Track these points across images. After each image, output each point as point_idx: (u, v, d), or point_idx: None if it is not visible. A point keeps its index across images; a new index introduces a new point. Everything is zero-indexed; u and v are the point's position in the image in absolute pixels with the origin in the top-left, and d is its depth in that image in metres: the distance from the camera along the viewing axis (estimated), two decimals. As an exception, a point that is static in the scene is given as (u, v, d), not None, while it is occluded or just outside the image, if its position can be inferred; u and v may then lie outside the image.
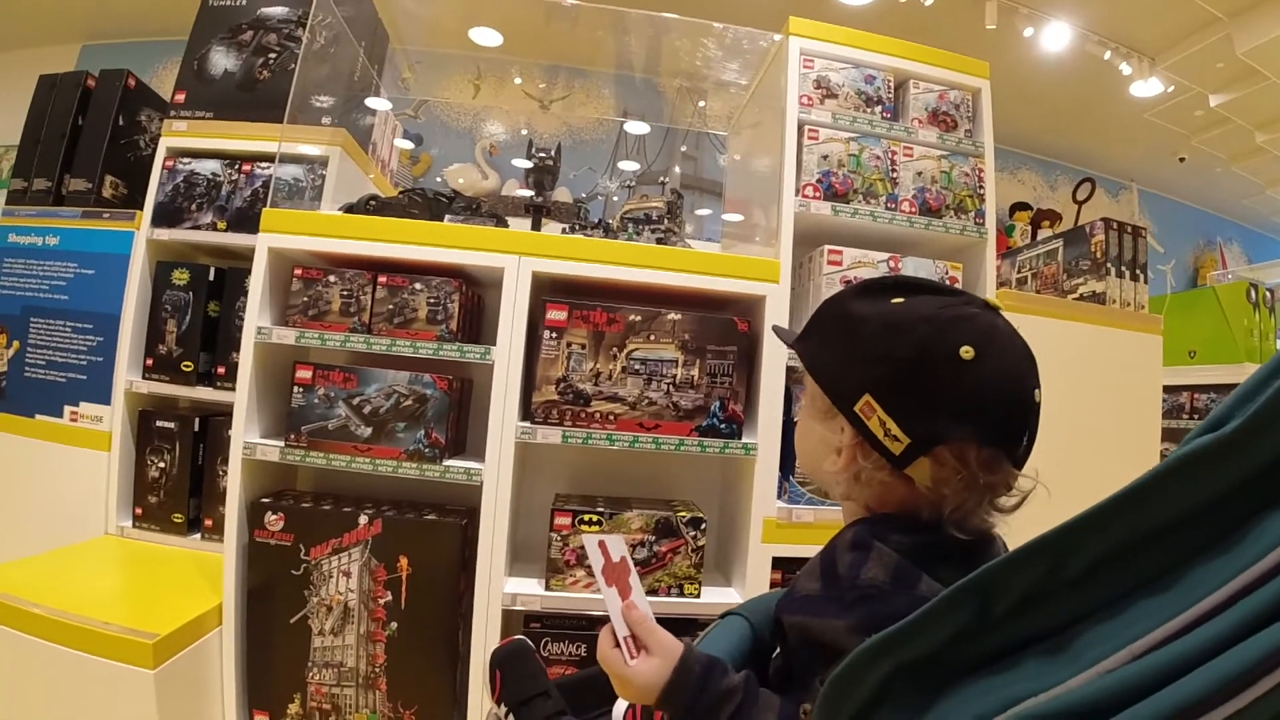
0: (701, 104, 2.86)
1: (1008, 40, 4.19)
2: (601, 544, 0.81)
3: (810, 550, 1.80)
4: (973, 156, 2.10)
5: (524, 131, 3.66)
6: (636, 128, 3.93)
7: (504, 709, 1.01)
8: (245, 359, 1.71)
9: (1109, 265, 2.47)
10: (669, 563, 1.72)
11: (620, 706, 1.03)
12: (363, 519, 1.67)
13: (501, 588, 1.65)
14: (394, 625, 1.67)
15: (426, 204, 1.87)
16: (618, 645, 0.75)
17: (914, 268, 1.93)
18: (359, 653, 1.68)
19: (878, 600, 0.63)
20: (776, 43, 2.08)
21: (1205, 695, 0.34)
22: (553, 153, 2.02)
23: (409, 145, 3.13)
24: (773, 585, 1.81)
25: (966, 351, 0.66)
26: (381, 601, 1.67)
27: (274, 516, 1.68)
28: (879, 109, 2.04)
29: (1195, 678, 0.35)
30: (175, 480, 2.18)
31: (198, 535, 2.17)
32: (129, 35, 4.56)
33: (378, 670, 1.68)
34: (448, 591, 1.68)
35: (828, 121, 1.95)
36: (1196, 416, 3.54)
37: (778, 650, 0.78)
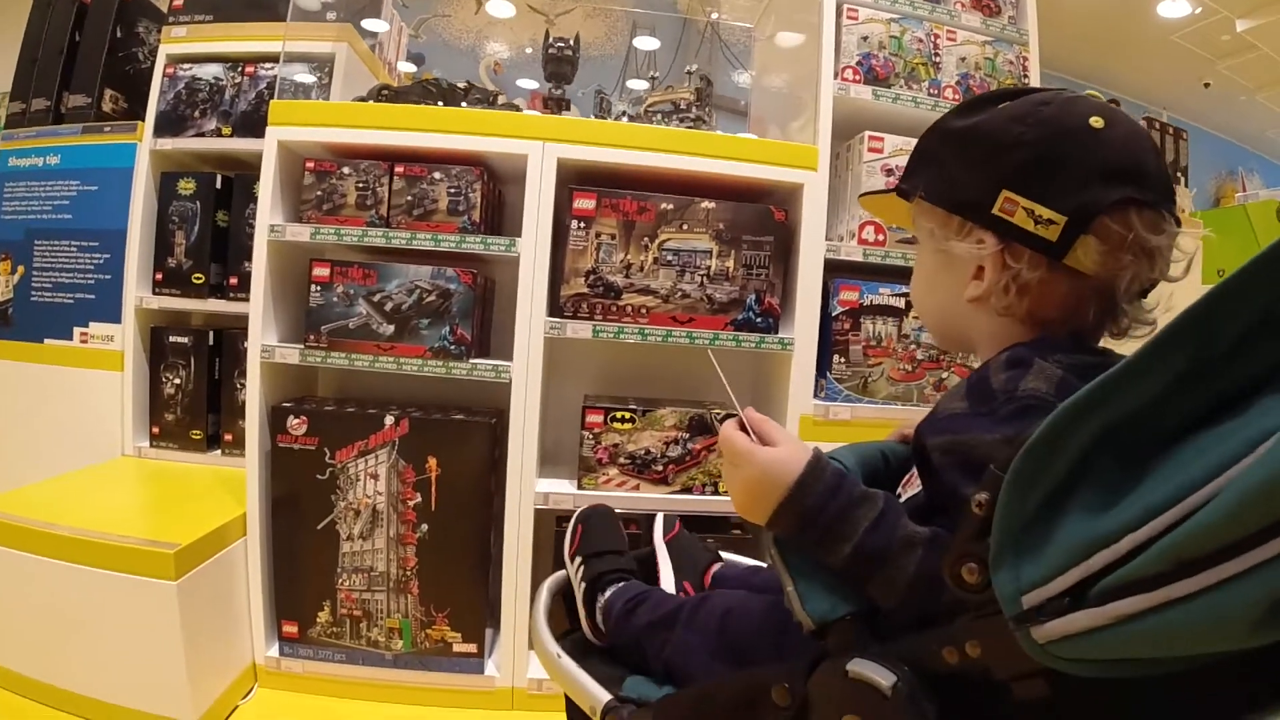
0: (715, 14, 2.69)
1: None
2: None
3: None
4: (1017, 44, 1.95)
5: (529, 49, 3.49)
6: (647, 43, 3.73)
7: (578, 560, 0.94)
8: (259, 259, 1.61)
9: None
10: (703, 460, 1.63)
11: (669, 588, 0.96)
12: (389, 420, 1.58)
13: (533, 488, 1.57)
14: (424, 527, 1.59)
15: (441, 94, 1.74)
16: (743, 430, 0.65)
17: (955, 161, 1.81)
18: (389, 556, 1.60)
19: (1039, 411, 0.52)
20: None
21: None
22: (571, 42, 1.88)
23: (411, 68, 2.97)
24: None
25: (1096, 121, 0.61)
26: (411, 504, 1.59)
27: (296, 420, 1.59)
28: (921, -12, 1.88)
29: None
30: (192, 396, 2.10)
31: (218, 451, 2.10)
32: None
33: (409, 574, 1.61)
34: (478, 493, 1.60)
35: (868, 1, 1.80)
36: (1225, 336, 3.42)
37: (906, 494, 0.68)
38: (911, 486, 0.67)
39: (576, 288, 1.60)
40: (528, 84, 3.60)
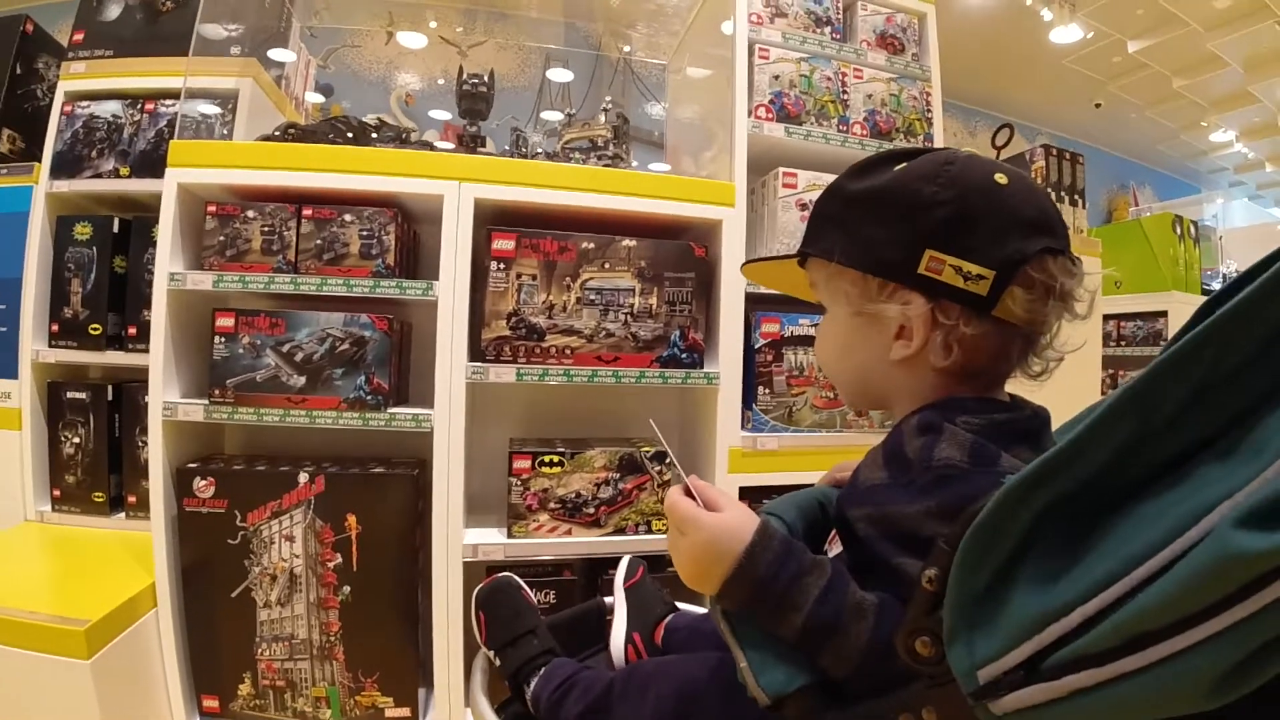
0: (627, 49, 2.71)
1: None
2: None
3: (777, 479, 1.75)
4: (920, 80, 2.03)
5: (440, 81, 3.44)
6: (560, 75, 3.74)
7: (492, 652, 0.91)
8: (158, 310, 1.52)
9: (1049, 190, 2.45)
10: (635, 500, 1.62)
11: (619, 640, 0.94)
12: (303, 477, 1.51)
13: (461, 539, 1.52)
14: (346, 589, 1.52)
15: (351, 131, 1.69)
16: (689, 496, 0.64)
17: (867, 192, 1.86)
18: (311, 622, 1.53)
19: (957, 480, 0.55)
20: None
21: None
22: (486, 78, 1.86)
23: (319, 99, 2.89)
24: None
25: (1000, 178, 0.64)
26: (331, 565, 1.52)
27: (203, 482, 1.50)
28: (828, 29, 1.94)
29: None
30: (93, 456, 1.97)
31: (122, 514, 1.97)
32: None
33: (333, 639, 1.53)
34: (403, 549, 1.54)
35: (778, 41, 1.85)
36: (1124, 343, 3.62)
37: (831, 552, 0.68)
38: (836, 545, 0.67)
39: (498, 330, 1.57)
40: (440, 114, 3.56)
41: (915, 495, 0.56)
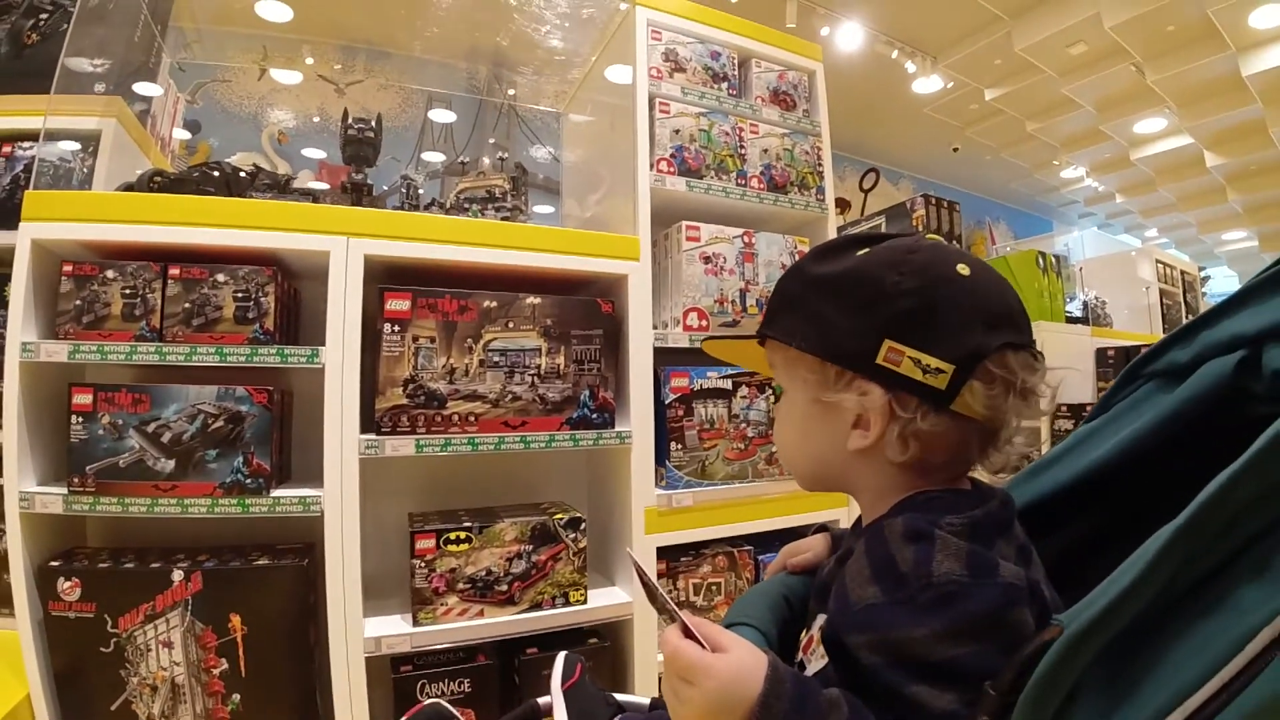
0: (512, 92, 2.71)
1: (807, 36, 4.47)
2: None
3: (694, 535, 1.77)
4: (811, 135, 2.15)
5: (316, 118, 3.31)
6: (442, 116, 3.68)
7: None
8: (10, 386, 1.35)
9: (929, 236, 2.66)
10: (550, 571, 1.58)
11: None
12: (177, 575, 1.36)
13: (361, 632, 1.42)
14: (235, 698, 1.38)
15: (224, 180, 1.58)
16: (689, 637, 0.58)
17: (766, 243, 1.95)
18: (192, 736, 1.37)
19: (962, 598, 0.55)
20: (623, 12, 1.99)
21: None
22: (373, 123, 1.79)
23: (185, 135, 2.70)
24: (659, 577, 1.73)
25: (963, 269, 0.64)
26: (216, 672, 1.37)
27: (67, 584, 1.33)
28: (725, 85, 2.03)
29: None
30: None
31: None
32: None
33: (219, 754, 1.38)
34: (295, 647, 1.42)
35: (678, 95, 1.91)
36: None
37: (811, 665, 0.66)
38: (815, 654, 0.65)
39: (394, 399, 1.50)
40: (314, 153, 3.42)
41: (919, 616, 0.55)
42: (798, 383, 0.72)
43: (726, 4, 3.85)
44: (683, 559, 1.79)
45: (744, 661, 0.56)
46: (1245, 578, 0.43)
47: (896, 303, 0.63)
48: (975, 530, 0.59)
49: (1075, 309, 4.09)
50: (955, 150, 6.62)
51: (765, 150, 2.04)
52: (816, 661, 0.63)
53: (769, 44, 2.13)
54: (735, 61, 2.07)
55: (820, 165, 2.15)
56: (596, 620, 1.64)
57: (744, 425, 1.86)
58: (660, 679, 0.60)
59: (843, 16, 4.63)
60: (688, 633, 0.57)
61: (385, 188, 1.99)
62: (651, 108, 1.86)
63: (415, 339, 1.52)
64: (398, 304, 1.52)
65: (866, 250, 0.67)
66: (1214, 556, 0.44)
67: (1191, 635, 0.43)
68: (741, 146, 1.99)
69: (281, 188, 1.65)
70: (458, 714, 0.94)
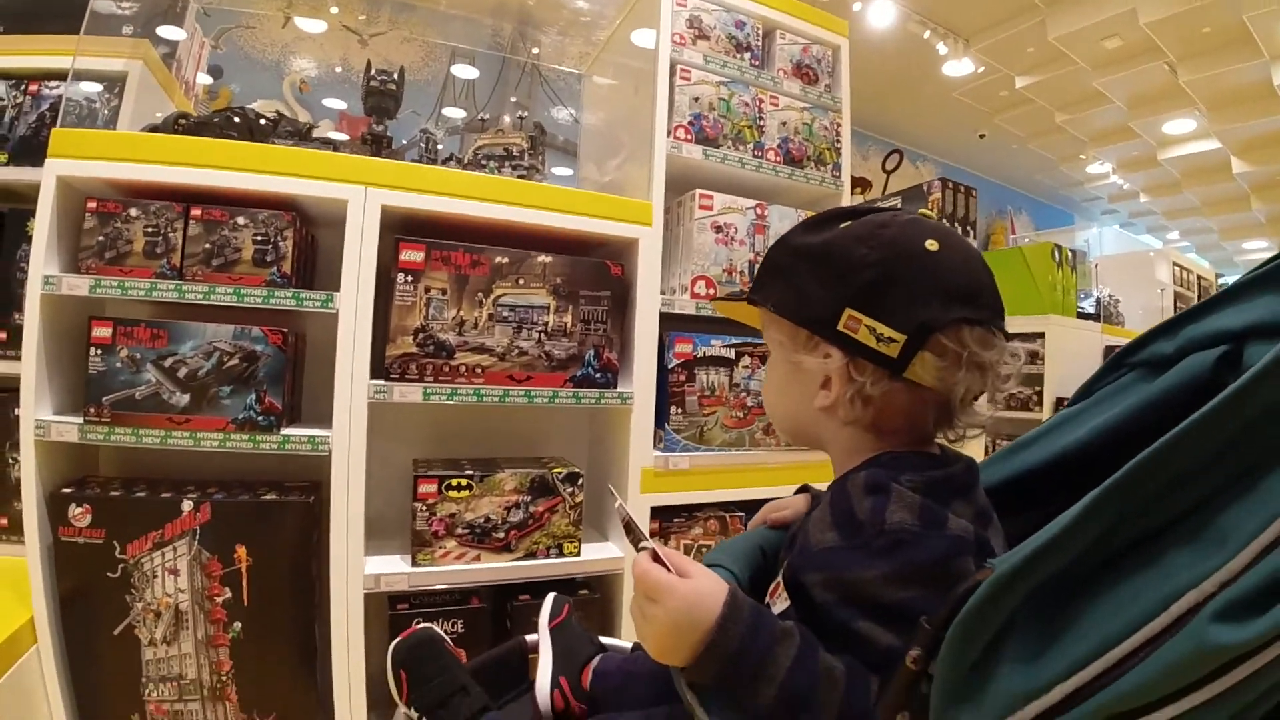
0: (536, 51, 2.71)
1: (838, 10, 4.42)
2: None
3: (688, 497, 1.82)
4: (832, 111, 2.16)
5: (339, 69, 3.32)
6: (465, 72, 3.68)
7: (415, 713, 0.89)
8: (31, 317, 1.39)
9: (944, 220, 2.67)
10: (546, 523, 1.63)
11: (545, 685, 0.94)
12: (186, 505, 1.42)
13: (361, 570, 1.48)
14: (237, 626, 1.44)
15: (247, 126, 1.61)
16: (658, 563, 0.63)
17: (778, 216, 1.97)
18: (200, 661, 1.44)
19: (911, 545, 0.60)
20: None
21: None
22: (395, 76, 1.82)
23: (207, 80, 2.73)
24: (652, 535, 1.78)
25: (931, 244, 0.68)
26: (219, 600, 1.44)
27: (78, 510, 1.39)
28: (748, 56, 2.04)
29: None
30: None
31: (-2, 537, 1.78)
32: None
33: (224, 679, 1.45)
34: (298, 581, 1.48)
35: (699, 63, 1.92)
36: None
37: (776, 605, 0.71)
38: (779, 597, 0.69)
39: (404, 347, 1.55)
40: (335, 103, 3.43)
41: (870, 559, 0.60)
42: (775, 344, 0.78)
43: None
44: (675, 519, 1.84)
45: (706, 586, 0.60)
46: (1179, 542, 0.45)
47: (861, 274, 0.67)
48: (931, 487, 0.64)
49: (1089, 305, 4.09)
50: (982, 137, 6.55)
51: (784, 123, 2.05)
52: (780, 604, 0.67)
53: (795, 15, 2.13)
54: (760, 31, 2.07)
55: (839, 142, 2.16)
56: (588, 572, 1.70)
57: (744, 394, 1.89)
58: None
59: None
60: (657, 559, 0.62)
61: (405, 141, 2.01)
62: (673, 74, 1.87)
63: (427, 289, 1.56)
64: (412, 255, 1.56)
65: (848, 223, 0.72)
66: (1155, 519, 0.47)
67: (1120, 591, 0.46)
68: (760, 118, 2.00)
69: (303, 135, 1.68)
70: (449, 640, 0.99)
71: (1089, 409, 0.77)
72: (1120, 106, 5.46)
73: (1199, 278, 5.16)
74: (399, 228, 1.62)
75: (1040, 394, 3.57)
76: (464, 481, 1.56)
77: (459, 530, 1.56)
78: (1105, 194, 7.87)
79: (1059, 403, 3.30)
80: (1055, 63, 5.07)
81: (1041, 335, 3.51)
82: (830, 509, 0.67)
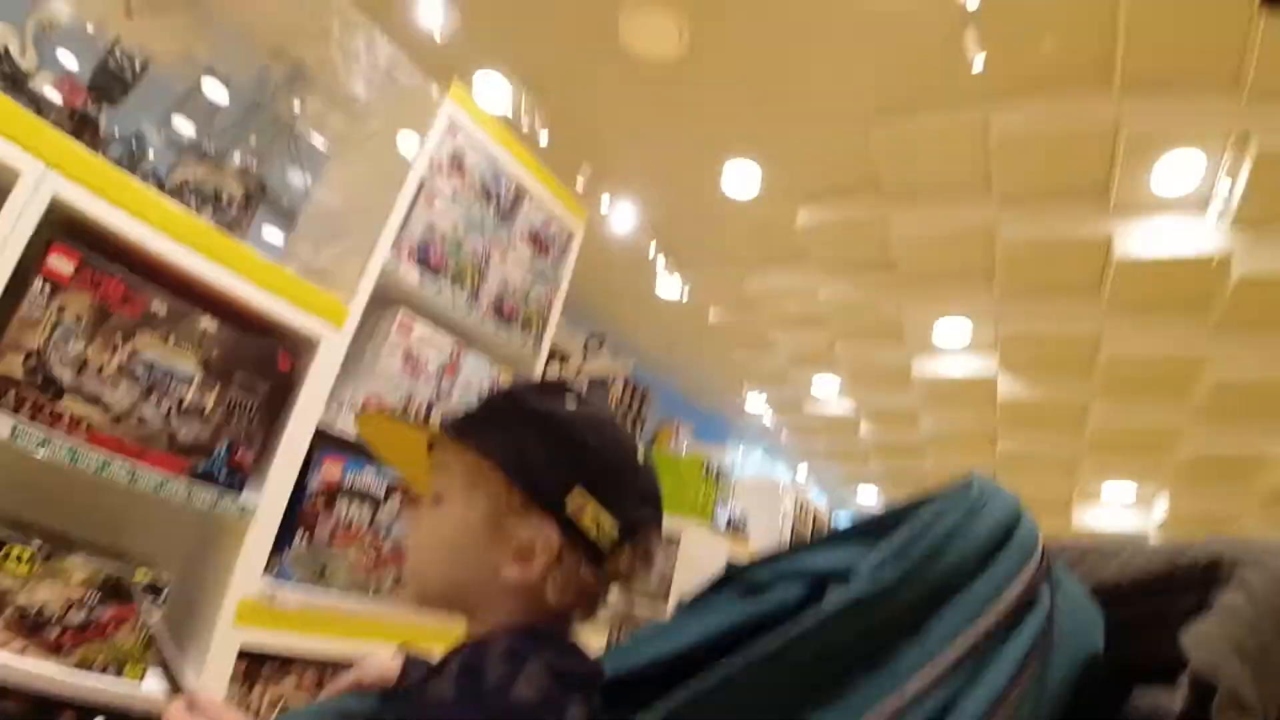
0: (296, 108, 2.73)
1: (589, 201, 4.95)
2: None
3: (289, 641, 1.71)
4: (551, 284, 2.47)
5: (90, 29, 2.95)
6: (215, 91, 3.48)
7: None
8: None
9: (620, 415, 3.09)
10: (111, 635, 1.44)
11: None
12: None
13: None
14: None
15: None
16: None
17: (472, 364, 2.13)
18: None
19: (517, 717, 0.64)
20: (433, 98, 2.17)
21: None
22: (137, 66, 1.72)
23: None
24: (238, 680, 1.66)
25: (640, 457, 0.82)
26: None
27: None
28: (494, 207, 2.27)
29: None
30: None
31: None
32: None
33: None
34: None
35: (448, 195, 2.09)
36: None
37: None
38: None
39: (7, 367, 1.36)
40: (69, 61, 2.95)
41: (470, 710, 0.64)
42: (473, 499, 0.79)
43: (535, 142, 4.24)
44: (266, 665, 1.71)
45: None
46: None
47: (595, 457, 0.77)
48: (564, 676, 0.68)
49: (722, 518, 4.84)
50: (670, 351, 7.67)
51: (506, 280, 2.28)
52: None
53: (548, 188, 2.44)
54: (512, 191, 2.34)
55: (549, 313, 2.45)
56: (151, 710, 1.49)
57: (384, 538, 1.91)
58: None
59: (625, 197, 5.24)
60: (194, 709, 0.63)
61: (116, 131, 1.84)
62: (419, 194, 2.01)
63: (60, 310, 1.41)
64: (61, 263, 1.40)
65: (579, 405, 0.81)
66: None
67: None
68: (486, 267, 2.21)
69: (15, 82, 1.48)
70: None
71: (692, 615, 0.84)
72: (784, 359, 6.85)
73: (815, 514, 6.42)
74: (59, 228, 1.46)
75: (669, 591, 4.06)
76: (27, 554, 1.35)
77: (8, 611, 1.33)
78: (756, 425, 9.55)
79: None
80: (745, 308, 6.25)
81: (678, 539, 4.07)
82: (460, 664, 0.70)
